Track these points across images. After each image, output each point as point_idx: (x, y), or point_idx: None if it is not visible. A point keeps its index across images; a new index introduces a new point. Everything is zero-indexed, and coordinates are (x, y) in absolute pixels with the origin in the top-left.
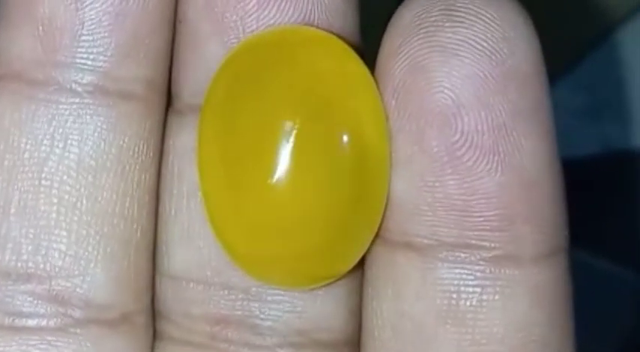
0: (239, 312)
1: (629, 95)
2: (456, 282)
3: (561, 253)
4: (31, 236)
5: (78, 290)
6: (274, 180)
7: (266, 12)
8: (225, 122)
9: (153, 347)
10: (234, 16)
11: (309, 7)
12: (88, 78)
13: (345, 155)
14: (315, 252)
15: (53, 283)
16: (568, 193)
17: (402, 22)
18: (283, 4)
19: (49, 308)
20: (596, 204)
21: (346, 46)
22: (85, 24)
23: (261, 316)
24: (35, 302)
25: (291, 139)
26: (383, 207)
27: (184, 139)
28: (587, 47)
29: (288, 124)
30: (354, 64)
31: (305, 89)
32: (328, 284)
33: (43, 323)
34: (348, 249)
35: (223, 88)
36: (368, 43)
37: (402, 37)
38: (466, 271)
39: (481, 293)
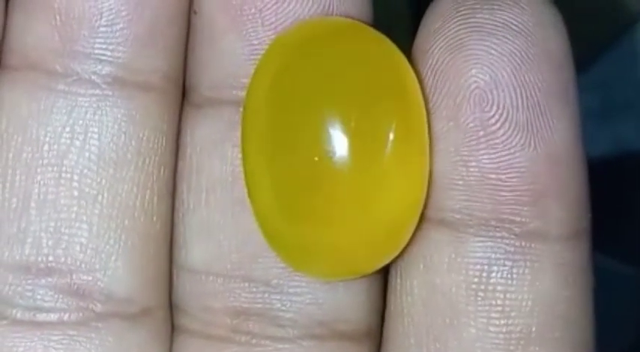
0: (260, 305)
1: None
2: (487, 256)
3: (585, 236)
4: (51, 229)
5: (99, 283)
6: (320, 170)
7: (285, 4)
8: (270, 111)
9: (171, 341)
10: (252, 9)
11: (327, 0)
12: (106, 69)
13: (396, 144)
14: (365, 242)
15: (74, 277)
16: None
17: (441, 6)
18: None
19: (70, 303)
20: (610, 204)
21: (385, 38)
22: (104, 14)
23: (283, 308)
24: (56, 296)
25: (339, 127)
26: (424, 194)
27: (202, 132)
28: (601, 47)
29: (336, 112)
30: (395, 52)
31: (353, 79)
32: (367, 277)
33: (65, 317)
34: (397, 237)
35: (267, 79)
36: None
37: (441, 20)
38: (497, 245)
39: (512, 267)
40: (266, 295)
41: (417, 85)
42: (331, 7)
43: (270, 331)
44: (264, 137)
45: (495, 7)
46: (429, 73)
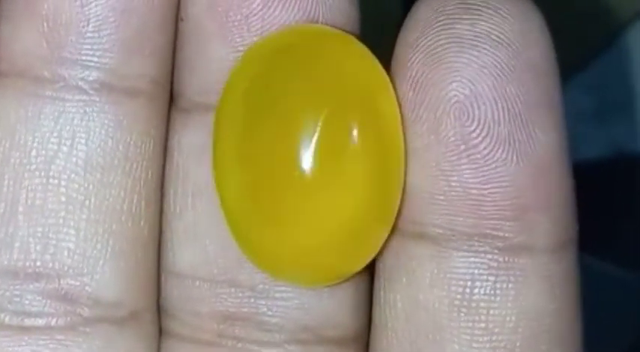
0: (246, 309)
1: (638, 97)
2: (470, 271)
3: (571, 245)
4: (39, 234)
5: (87, 288)
6: (290, 176)
7: (270, 11)
8: (243, 118)
9: (159, 345)
10: (238, 16)
11: (314, 6)
12: (94, 75)
13: (363, 151)
14: (332, 247)
15: (62, 282)
16: (576, 196)
17: (420, 15)
18: (288, 3)
19: (58, 307)
20: (604, 206)
21: (360, 43)
22: (91, 21)
23: (269, 313)
24: (44, 301)
25: (310, 135)
26: (398, 202)
27: (189, 137)
28: (596, 49)
29: (307, 120)
30: (369, 60)
31: (323, 85)
32: (342, 282)
33: (53, 322)
34: (365, 243)
35: (241, 85)
36: (376, 46)
37: (419, 30)
38: (480, 260)
39: (495, 282)
40: (252, 300)
41: (393, 95)
42: (317, 14)
43: (256, 335)
44: (234, 144)
45: (475, 16)
46: (408, 86)
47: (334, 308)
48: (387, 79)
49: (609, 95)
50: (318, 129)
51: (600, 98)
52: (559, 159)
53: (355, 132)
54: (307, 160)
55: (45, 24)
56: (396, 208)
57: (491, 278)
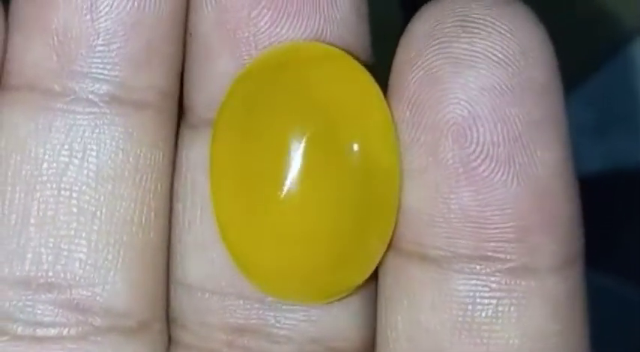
0: (255, 321)
1: (638, 111)
2: (471, 293)
3: (577, 263)
4: (50, 245)
5: (98, 298)
6: (284, 194)
7: (278, 29)
8: (238, 137)
9: None
10: (246, 33)
11: (322, 23)
12: (104, 88)
13: (354, 169)
14: (326, 265)
15: (74, 292)
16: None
17: (416, 33)
18: (296, 20)
19: (69, 317)
20: (605, 220)
21: (355, 61)
22: (101, 34)
23: (277, 325)
24: (56, 311)
25: (301, 154)
26: (394, 220)
27: (197, 152)
28: (597, 62)
29: (298, 139)
30: (363, 78)
31: (315, 105)
32: (342, 298)
33: (65, 332)
34: (360, 261)
35: (236, 103)
36: (378, 55)
37: (416, 49)
38: (482, 282)
39: (497, 305)
40: (260, 312)
41: (387, 114)
42: (325, 31)
43: (265, 347)
44: (228, 162)
45: (474, 35)
46: (405, 107)
47: (342, 321)
48: (382, 97)
49: (610, 109)
50: (309, 147)
51: (601, 112)
52: (563, 178)
53: (346, 151)
54: (298, 179)
55: (55, 37)
56: (391, 226)
57: (493, 300)
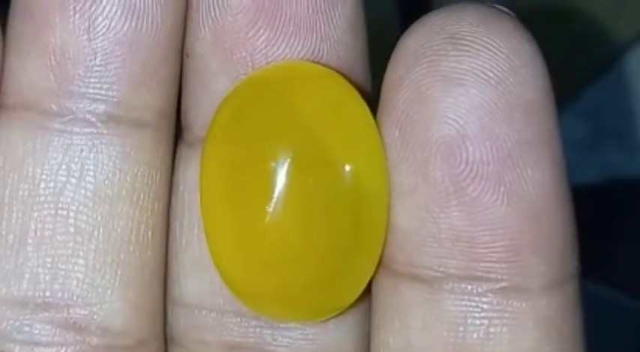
0: (252, 339)
1: (631, 123)
2: (462, 314)
3: (571, 282)
4: (48, 265)
5: (95, 317)
6: (272, 215)
7: (275, 48)
8: (226, 157)
9: None
10: (243, 52)
11: (318, 43)
12: (101, 107)
13: (343, 189)
14: (315, 285)
15: (71, 311)
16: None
17: (406, 51)
18: (292, 39)
19: (67, 337)
20: (599, 232)
21: (345, 81)
22: (98, 54)
23: (274, 343)
24: (53, 330)
25: (288, 176)
26: (382, 240)
27: (195, 170)
28: (591, 75)
29: (286, 160)
30: (352, 99)
31: (303, 125)
32: (333, 317)
33: (62, 351)
34: (349, 282)
35: (224, 123)
36: (377, 67)
37: (405, 67)
38: (473, 303)
39: (488, 326)
40: (257, 330)
41: (376, 134)
42: (322, 50)
43: None
44: (218, 183)
45: (463, 52)
46: (394, 125)
47: (339, 338)
48: (371, 117)
49: (603, 121)
50: (296, 169)
51: (594, 124)
52: (555, 197)
53: (334, 172)
54: (285, 201)
55: (52, 58)
56: (380, 246)
57: (485, 321)
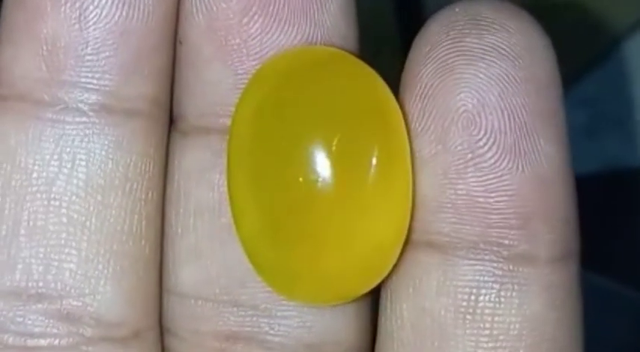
0: (248, 328)
1: (630, 111)
2: (475, 279)
3: (573, 258)
4: (41, 256)
5: (89, 308)
6: (301, 198)
7: (269, 35)
8: (255, 138)
9: None
10: (237, 39)
11: (312, 29)
12: (93, 97)
13: (369, 169)
14: (345, 266)
15: (64, 302)
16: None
17: (431, 31)
18: (286, 26)
19: (60, 328)
20: (597, 222)
21: (364, 63)
22: (90, 43)
23: (271, 332)
24: (47, 321)
25: (323, 153)
26: (408, 217)
27: (189, 159)
28: (590, 63)
29: (321, 141)
30: (375, 79)
31: (334, 106)
32: (355, 300)
33: (56, 342)
34: (383, 261)
35: (252, 106)
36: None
37: (430, 44)
38: (486, 268)
39: (499, 290)
40: (254, 319)
41: (398, 110)
42: (316, 37)
43: None
44: (249, 164)
45: (484, 31)
46: (417, 97)
47: (336, 326)
48: (392, 96)
49: (602, 110)
50: (333, 150)
51: (593, 113)
52: (562, 171)
53: (370, 151)
54: (324, 180)
55: (44, 47)
56: (407, 223)
57: (496, 285)
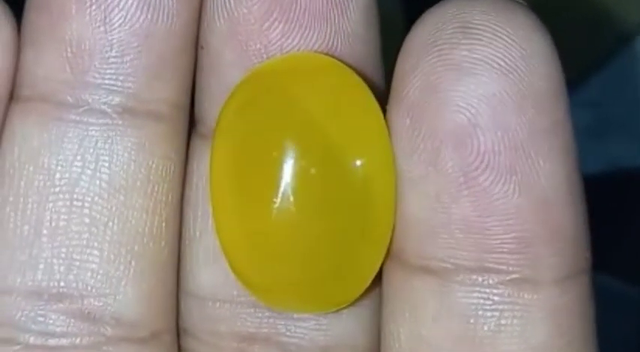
0: (265, 330)
1: (635, 113)
2: (473, 306)
3: (582, 275)
4: (63, 256)
5: (109, 308)
6: (280, 208)
7: (289, 40)
8: (234, 151)
9: None
10: (258, 45)
11: (332, 35)
12: (117, 99)
13: (350, 181)
14: (323, 277)
15: (85, 302)
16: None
17: (417, 40)
18: (307, 32)
19: (81, 327)
20: (601, 222)
21: (349, 71)
22: (114, 46)
23: (287, 334)
24: (68, 321)
25: (296, 169)
26: (390, 231)
27: (208, 162)
28: (595, 65)
29: (293, 153)
30: (357, 89)
31: (308, 117)
32: (345, 308)
33: (77, 341)
34: (357, 273)
35: (231, 117)
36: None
37: (416, 56)
38: (483, 295)
39: (499, 318)
40: (271, 320)
41: (384, 124)
42: (336, 42)
43: None
44: (231, 172)
45: (475, 41)
46: (405, 115)
47: (352, 329)
48: (377, 106)
49: (607, 111)
50: (303, 162)
51: (598, 114)
52: (567, 189)
53: (342, 164)
54: (293, 193)
55: (68, 49)
56: (388, 238)
57: (496, 313)
